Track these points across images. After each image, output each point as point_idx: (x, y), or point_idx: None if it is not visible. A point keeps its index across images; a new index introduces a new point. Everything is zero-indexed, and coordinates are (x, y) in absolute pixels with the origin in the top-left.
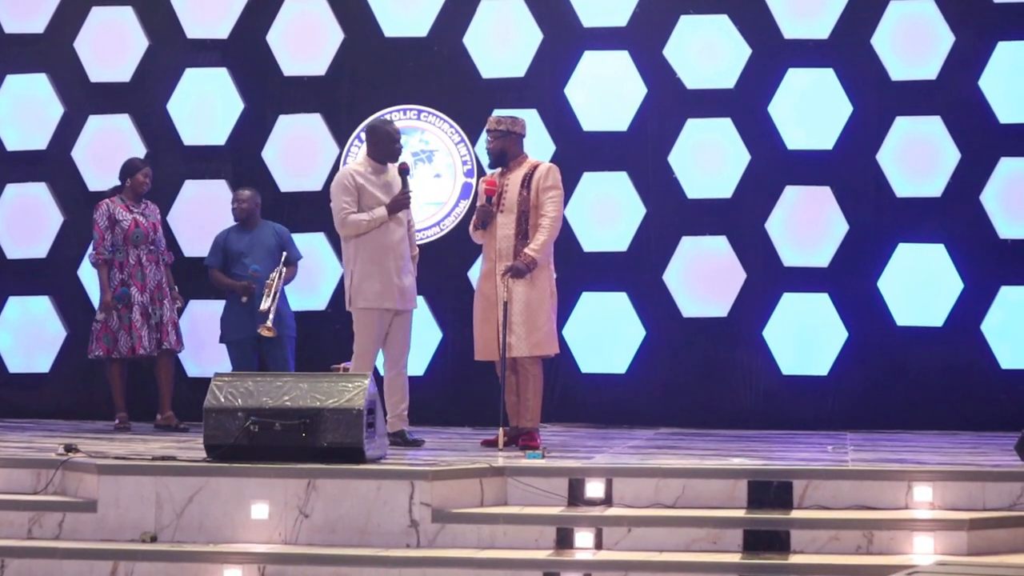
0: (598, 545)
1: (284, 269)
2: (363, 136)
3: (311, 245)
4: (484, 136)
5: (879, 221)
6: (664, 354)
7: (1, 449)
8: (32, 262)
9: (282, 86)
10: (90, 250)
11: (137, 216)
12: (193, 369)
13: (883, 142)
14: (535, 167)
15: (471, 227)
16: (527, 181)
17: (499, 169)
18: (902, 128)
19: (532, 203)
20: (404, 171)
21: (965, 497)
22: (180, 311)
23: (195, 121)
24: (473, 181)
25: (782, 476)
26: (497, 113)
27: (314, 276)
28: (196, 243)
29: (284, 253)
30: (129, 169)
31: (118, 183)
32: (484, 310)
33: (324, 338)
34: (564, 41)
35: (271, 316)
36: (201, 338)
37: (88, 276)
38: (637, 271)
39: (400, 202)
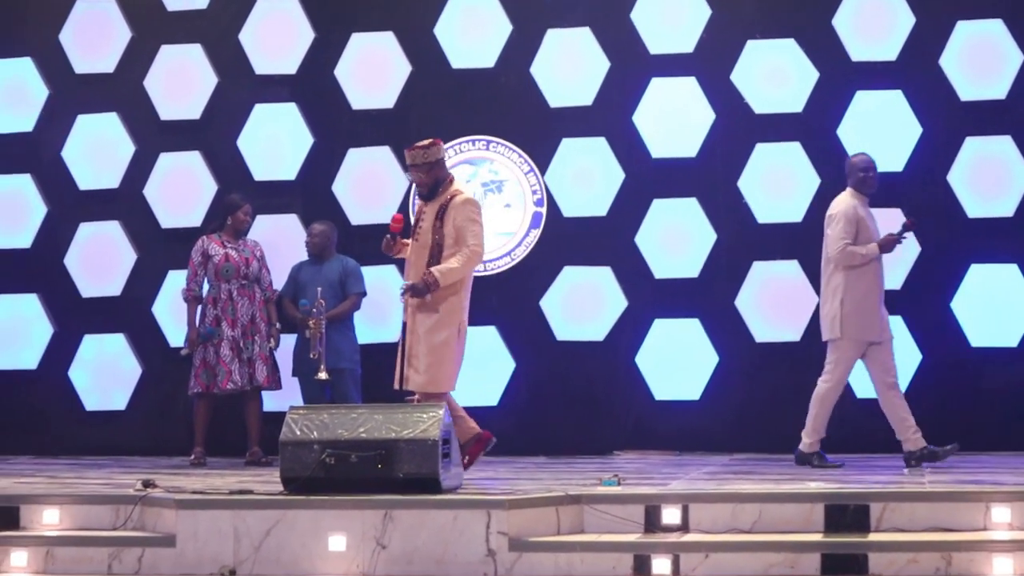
0: (676, 571)
1: (322, 316)
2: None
3: (381, 278)
4: (408, 173)
5: (951, 242)
6: (737, 379)
7: (80, 486)
8: (107, 300)
9: (351, 120)
10: (183, 285)
11: (230, 251)
12: (268, 403)
13: (953, 163)
14: (452, 197)
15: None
16: (442, 212)
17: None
18: (972, 148)
19: (445, 235)
20: (909, 227)
21: None
22: (273, 348)
23: (265, 156)
24: (543, 210)
25: (859, 499)
26: (415, 145)
27: (384, 309)
28: None
29: (319, 289)
30: (229, 207)
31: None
32: (401, 339)
33: None
34: (631, 68)
35: (322, 363)
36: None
37: (162, 313)
38: (709, 297)
39: (890, 242)
